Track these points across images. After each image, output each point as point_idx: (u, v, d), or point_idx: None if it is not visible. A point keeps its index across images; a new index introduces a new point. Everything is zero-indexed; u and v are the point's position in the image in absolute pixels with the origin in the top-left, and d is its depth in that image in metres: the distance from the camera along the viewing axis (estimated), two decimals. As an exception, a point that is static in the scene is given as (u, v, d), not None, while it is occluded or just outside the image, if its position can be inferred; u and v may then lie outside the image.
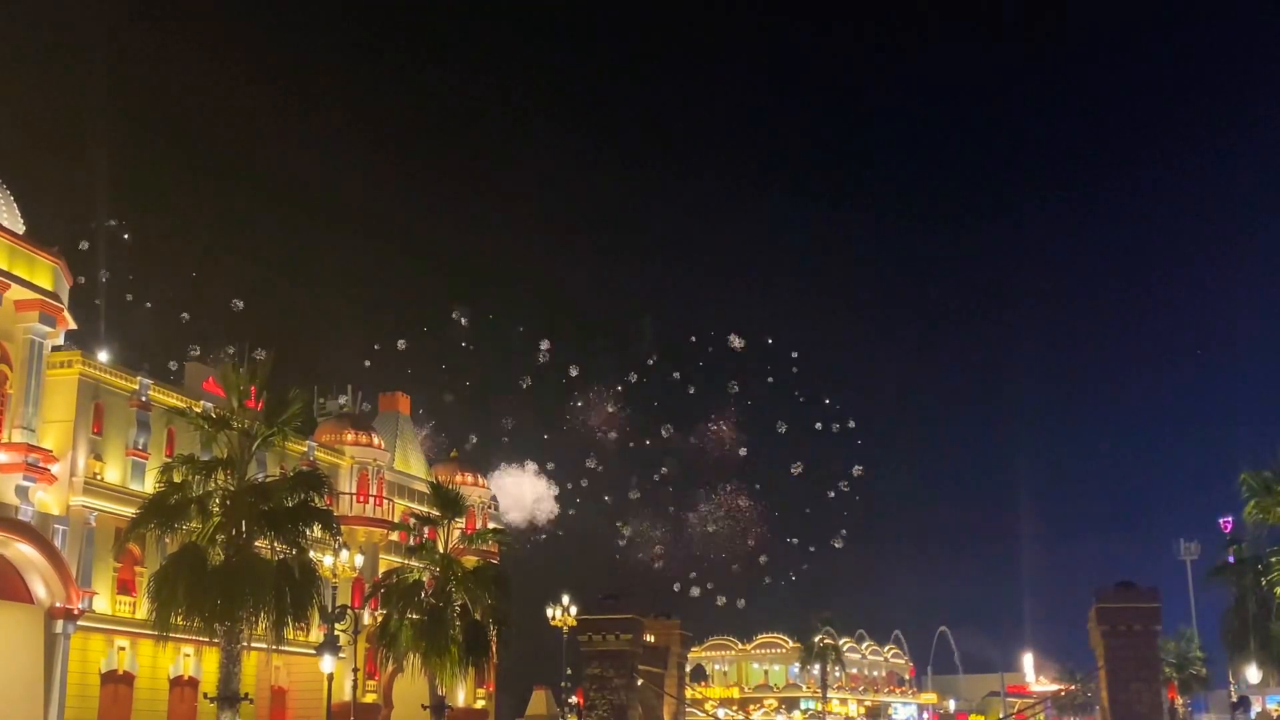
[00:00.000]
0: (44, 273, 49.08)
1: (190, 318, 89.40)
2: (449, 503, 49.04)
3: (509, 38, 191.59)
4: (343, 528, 55.68)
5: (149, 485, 49.32)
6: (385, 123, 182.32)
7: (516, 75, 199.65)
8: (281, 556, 38.18)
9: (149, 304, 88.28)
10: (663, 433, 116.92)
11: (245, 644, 37.94)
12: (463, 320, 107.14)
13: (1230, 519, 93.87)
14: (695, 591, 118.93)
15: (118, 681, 52.14)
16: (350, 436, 70.92)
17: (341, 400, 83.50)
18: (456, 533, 50.73)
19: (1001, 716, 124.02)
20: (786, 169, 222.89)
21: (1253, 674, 56.15)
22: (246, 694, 39.50)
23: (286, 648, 49.62)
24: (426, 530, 50.69)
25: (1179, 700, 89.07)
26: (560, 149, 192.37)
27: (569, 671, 78.38)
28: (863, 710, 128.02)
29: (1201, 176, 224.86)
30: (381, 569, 65.99)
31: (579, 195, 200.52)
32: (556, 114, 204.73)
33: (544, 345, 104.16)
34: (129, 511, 43.73)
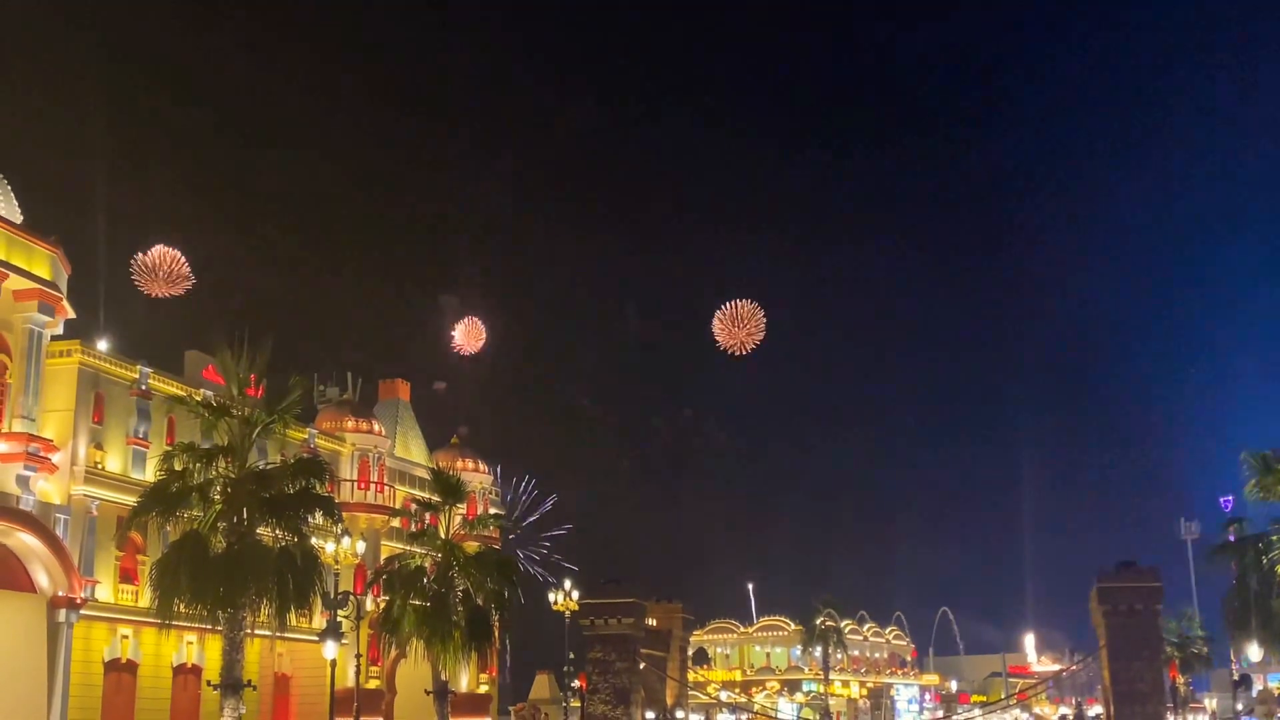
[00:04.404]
0: (42, 262, 48.98)
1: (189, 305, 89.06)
2: (450, 489, 49.05)
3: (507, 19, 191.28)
4: (344, 514, 55.65)
5: (150, 474, 49.34)
6: (386, 114, 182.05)
7: (511, 53, 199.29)
8: (283, 544, 38.14)
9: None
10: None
11: (248, 631, 37.93)
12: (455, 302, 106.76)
13: (1231, 498, 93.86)
14: None
15: (121, 670, 52.22)
16: (351, 423, 70.89)
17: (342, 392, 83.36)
18: (458, 518, 50.78)
19: (1004, 697, 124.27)
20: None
21: (1254, 652, 56.21)
22: (250, 681, 39.53)
23: (289, 634, 49.64)
24: (428, 516, 50.72)
25: (1180, 679, 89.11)
26: (560, 127, 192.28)
27: (571, 656, 78.52)
28: (865, 692, 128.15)
29: (1211, 151, 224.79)
30: (383, 555, 66.04)
31: (577, 177, 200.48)
32: (554, 91, 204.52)
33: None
34: (130, 500, 43.70)
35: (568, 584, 73.38)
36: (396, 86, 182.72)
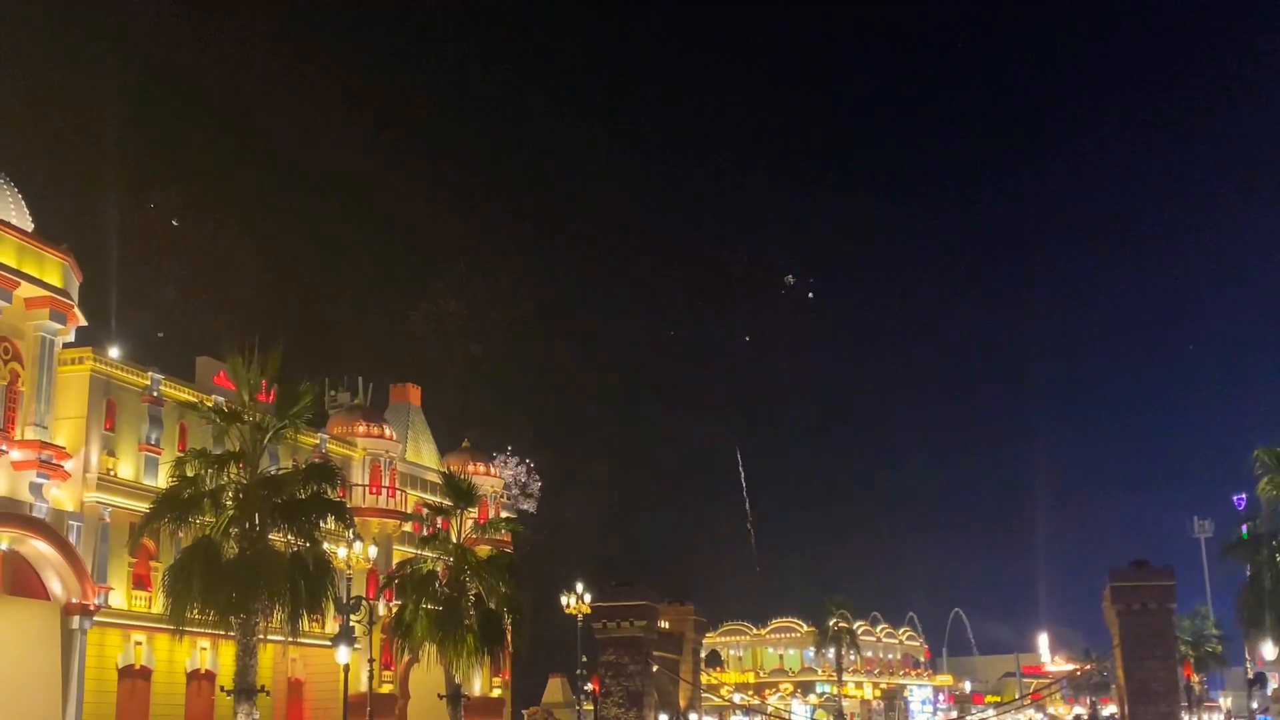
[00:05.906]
0: (53, 270, 49.11)
1: (197, 310, 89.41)
2: (461, 493, 49.07)
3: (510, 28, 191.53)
4: (356, 519, 55.69)
5: (162, 480, 49.42)
6: (392, 111, 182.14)
7: (519, 67, 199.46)
8: (295, 549, 38.19)
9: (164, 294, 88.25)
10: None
11: (261, 636, 37.96)
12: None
13: (1244, 496, 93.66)
14: None
15: (135, 676, 52.36)
16: (362, 428, 70.93)
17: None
18: (469, 522, 50.77)
19: (1018, 697, 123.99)
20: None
21: (1269, 650, 55.99)
22: (263, 686, 39.58)
23: (302, 640, 49.77)
24: (440, 520, 50.72)
25: (1195, 678, 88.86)
26: (565, 136, 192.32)
27: (584, 659, 78.46)
28: (878, 693, 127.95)
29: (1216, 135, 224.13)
30: (395, 560, 66.12)
31: (581, 187, 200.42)
32: (559, 103, 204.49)
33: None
34: (143, 507, 43.85)
35: (579, 586, 73.32)
36: (410, 87, 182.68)
